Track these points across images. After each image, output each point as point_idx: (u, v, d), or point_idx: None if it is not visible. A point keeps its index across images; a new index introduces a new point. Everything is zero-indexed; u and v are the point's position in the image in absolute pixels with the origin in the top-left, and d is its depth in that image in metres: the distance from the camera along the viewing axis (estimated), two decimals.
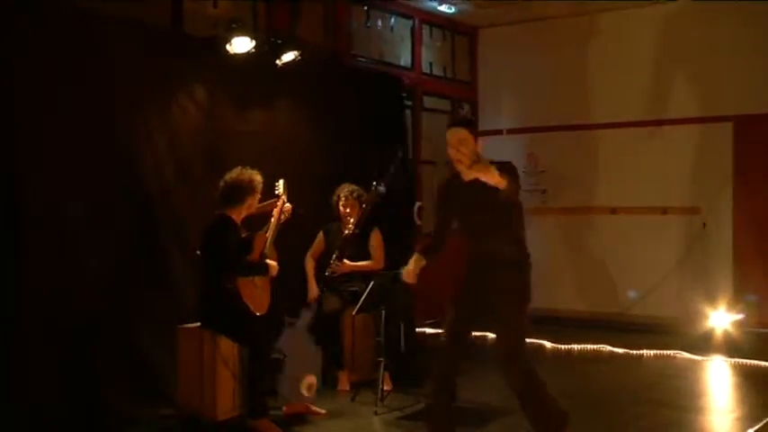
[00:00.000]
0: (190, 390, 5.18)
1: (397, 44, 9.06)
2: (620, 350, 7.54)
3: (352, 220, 6.07)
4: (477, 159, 4.05)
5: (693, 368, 6.98)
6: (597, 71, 9.31)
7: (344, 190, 6.17)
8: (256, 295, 5.16)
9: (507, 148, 9.06)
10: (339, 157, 6.91)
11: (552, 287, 8.61)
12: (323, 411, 5.38)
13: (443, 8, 9.09)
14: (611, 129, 9.28)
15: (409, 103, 8.95)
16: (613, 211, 9.24)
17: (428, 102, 9.48)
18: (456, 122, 4.37)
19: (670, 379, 6.53)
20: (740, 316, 8.19)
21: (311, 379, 5.41)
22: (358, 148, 7.15)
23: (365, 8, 8.53)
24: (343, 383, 5.99)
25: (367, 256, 6.20)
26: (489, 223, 4.24)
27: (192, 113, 5.91)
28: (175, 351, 5.27)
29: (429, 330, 8.45)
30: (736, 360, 7.05)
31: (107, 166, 5.28)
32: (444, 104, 9.82)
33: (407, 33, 9.18)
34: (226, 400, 5.14)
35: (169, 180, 5.67)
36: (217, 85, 6.08)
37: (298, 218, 5.57)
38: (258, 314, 5.11)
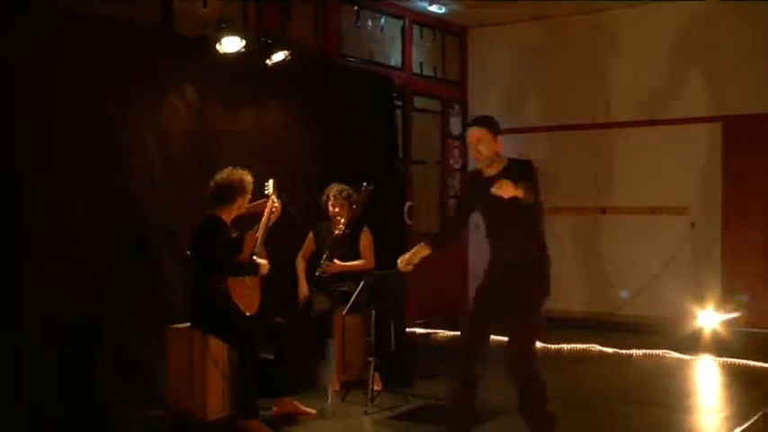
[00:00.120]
0: (179, 390, 5.17)
1: (387, 44, 9.07)
2: (610, 350, 7.57)
3: (342, 221, 6.07)
4: (495, 158, 4.06)
5: (682, 368, 7.01)
6: (587, 72, 9.34)
7: (333, 190, 6.17)
8: (246, 295, 5.15)
9: None
10: (329, 157, 6.91)
11: None
12: (313, 411, 5.37)
13: (433, 8, 9.11)
14: (600, 129, 9.32)
15: (399, 103, 8.95)
16: (603, 210, 9.28)
17: (418, 102, 9.50)
18: (474, 121, 4.37)
19: (659, 378, 6.56)
20: (735, 314, 8.22)
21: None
22: (348, 149, 7.15)
23: (355, 8, 8.54)
24: (334, 383, 5.99)
25: (357, 256, 6.20)
26: (509, 221, 4.24)
27: (182, 113, 5.89)
28: (165, 351, 5.25)
29: (419, 330, 8.46)
30: (725, 359, 7.09)
31: (101, 166, 5.27)
32: (435, 104, 9.85)
33: (398, 33, 9.19)
34: (216, 400, 5.13)
35: (159, 180, 5.65)
36: (207, 84, 6.06)
37: (289, 218, 5.57)
38: (248, 314, 5.11)
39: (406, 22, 9.23)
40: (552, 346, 7.63)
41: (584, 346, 7.65)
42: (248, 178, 5.25)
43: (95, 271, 5.15)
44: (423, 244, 4.41)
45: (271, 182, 5.45)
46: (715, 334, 8.14)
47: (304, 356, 5.82)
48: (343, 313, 5.56)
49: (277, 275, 5.52)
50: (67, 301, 4.98)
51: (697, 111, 8.71)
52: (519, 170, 4.16)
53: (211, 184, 5.21)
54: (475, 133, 4.27)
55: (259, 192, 5.40)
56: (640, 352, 7.44)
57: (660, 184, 8.91)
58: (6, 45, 4.77)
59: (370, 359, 5.60)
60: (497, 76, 9.89)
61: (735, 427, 5.08)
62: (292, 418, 5.28)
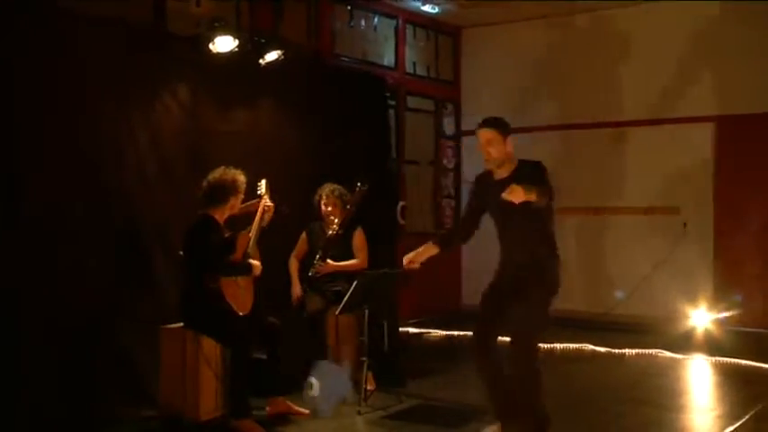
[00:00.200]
0: (172, 390, 5.16)
1: (380, 44, 9.07)
2: (602, 349, 7.58)
3: (336, 221, 6.06)
4: (505, 159, 4.06)
5: (675, 367, 7.03)
6: (580, 72, 9.36)
7: (326, 189, 6.16)
8: (239, 295, 5.15)
9: None
10: (322, 157, 6.89)
11: None
12: (306, 411, 5.37)
13: (427, 8, 9.12)
14: (593, 129, 9.34)
15: (393, 102, 8.95)
16: (595, 211, 9.29)
17: (411, 102, 9.50)
18: (484, 123, 4.36)
19: (651, 378, 6.58)
20: (727, 314, 8.24)
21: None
22: (341, 148, 7.14)
23: (348, 8, 8.54)
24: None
25: (350, 256, 6.19)
26: (520, 224, 4.24)
27: (175, 113, 5.88)
28: (158, 351, 5.24)
29: (412, 330, 8.46)
30: (717, 359, 7.11)
31: (100, 166, 5.27)
32: (428, 104, 9.86)
33: (391, 33, 9.20)
34: (208, 400, 5.12)
35: (152, 179, 5.63)
36: (200, 84, 6.04)
37: (283, 217, 5.56)
38: (241, 314, 5.10)
39: (400, 21, 9.24)
40: (545, 346, 7.63)
41: (577, 345, 7.66)
42: (241, 178, 5.24)
43: (95, 271, 5.14)
44: (430, 243, 4.39)
45: (263, 182, 5.45)
46: (707, 333, 8.17)
47: (297, 356, 5.81)
48: (337, 313, 5.55)
49: (270, 275, 5.51)
50: (67, 301, 4.98)
51: (690, 111, 8.73)
52: (530, 172, 4.15)
53: (204, 183, 5.20)
54: (485, 135, 4.26)
55: (252, 192, 5.40)
56: (633, 351, 7.46)
57: (652, 185, 8.94)
58: (6, 45, 4.76)
59: (364, 359, 5.60)
60: (491, 76, 9.90)
61: (727, 426, 5.10)
62: (285, 417, 5.28)
